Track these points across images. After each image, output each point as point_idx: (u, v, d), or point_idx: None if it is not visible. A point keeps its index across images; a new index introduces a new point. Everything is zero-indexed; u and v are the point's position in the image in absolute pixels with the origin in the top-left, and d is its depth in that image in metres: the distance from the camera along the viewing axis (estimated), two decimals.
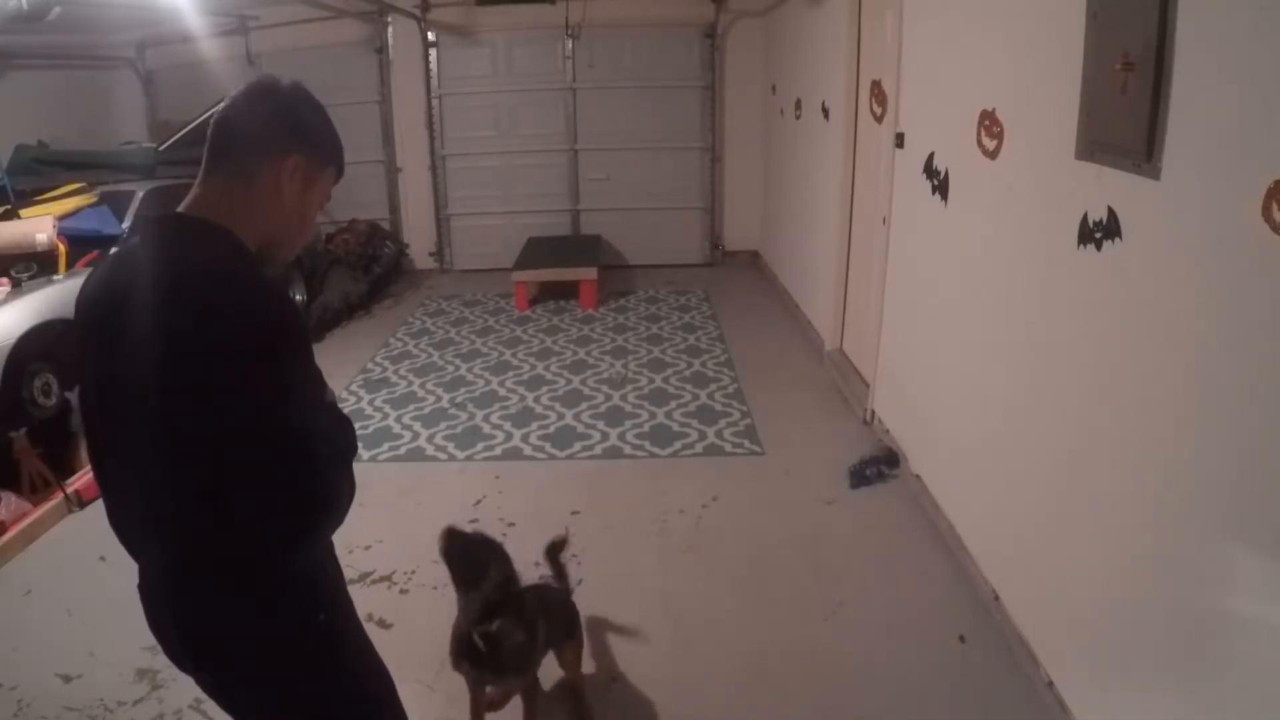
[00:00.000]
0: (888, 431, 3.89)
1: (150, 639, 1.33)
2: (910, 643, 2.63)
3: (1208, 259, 1.67)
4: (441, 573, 3.05)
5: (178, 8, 5.53)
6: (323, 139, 1.32)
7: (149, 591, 1.31)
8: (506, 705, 2.24)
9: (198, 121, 5.84)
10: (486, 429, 4.38)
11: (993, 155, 2.70)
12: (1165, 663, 1.85)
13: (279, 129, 1.26)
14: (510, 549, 3.28)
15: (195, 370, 1.10)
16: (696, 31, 7.48)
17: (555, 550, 2.45)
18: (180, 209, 1.24)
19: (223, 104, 1.27)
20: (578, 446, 4.15)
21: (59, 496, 3.62)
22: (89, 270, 1.55)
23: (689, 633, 2.72)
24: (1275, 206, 1.45)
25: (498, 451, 4.13)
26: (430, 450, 4.17)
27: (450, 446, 4.20)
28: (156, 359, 1.12)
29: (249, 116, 1.26)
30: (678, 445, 4.12)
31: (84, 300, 1.27)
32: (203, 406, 1.11)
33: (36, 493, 3.69)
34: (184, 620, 1.27)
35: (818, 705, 2.41)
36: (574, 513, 3.48)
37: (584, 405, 4.63)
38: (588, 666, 2.56)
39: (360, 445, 4.53)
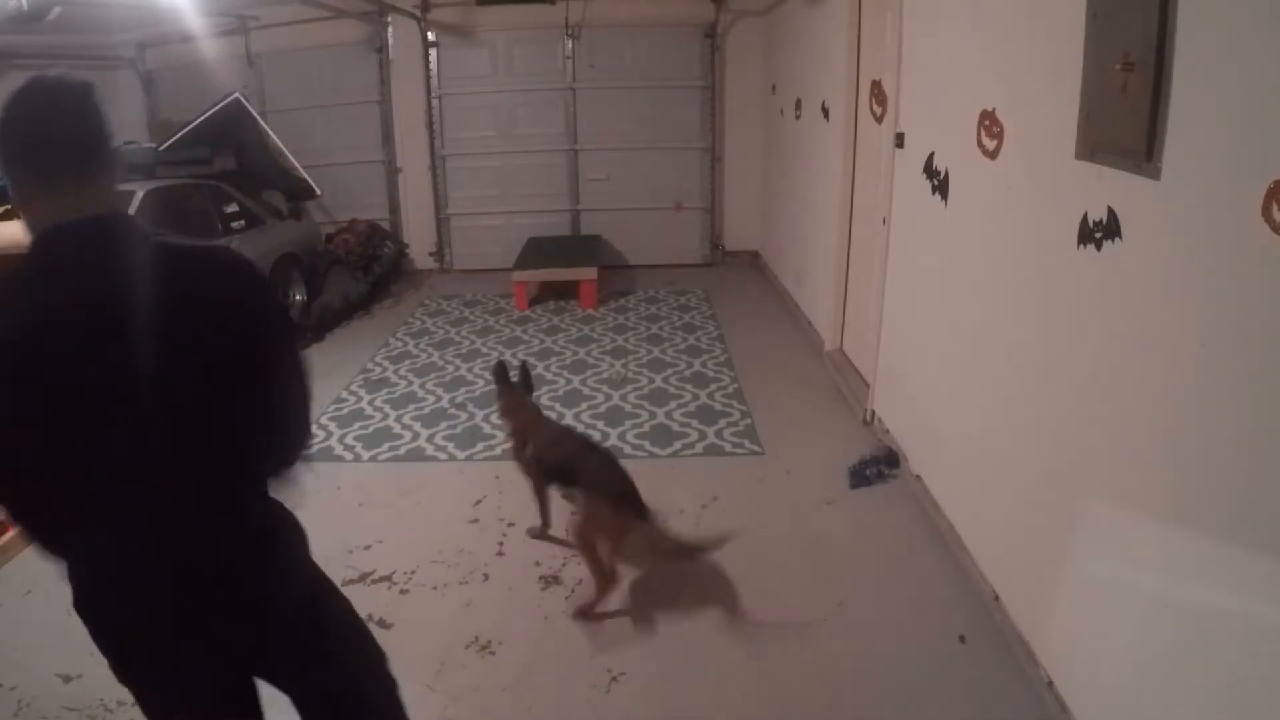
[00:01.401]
0: (888, 431, 3.89)
1: None
2: (910, 643, 2.63)
3: (1208, 259, 1.67)
4: (441, 573, 3.07)
5: (178, 8, 5.53)
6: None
7: (193, 571, 1.33)
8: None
9: (198, 121, 5.84)
10: (486, 429, 4.37)
11: (993, 155, 2.70)
12: (1166, 663, 1.84)
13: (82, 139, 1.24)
14: (511, 548, 3.27)
15: (249, 324, 1.31)
16: (696, 31, 7.48)
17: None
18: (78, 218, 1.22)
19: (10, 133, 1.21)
20: None
21: None
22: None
23: (689, 632, 2.72)
24: (1275, 206, 1.45)
25: (498, 451, 4.13)
26: (430, 450, 4.17)
27: (450, 446, 4.20)
28: (211, 322, 1.27)
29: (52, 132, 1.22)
30: (678, 445, 4.12)
31: (16, 323, 1.19)
32: (259, 357, 1.33)
33: None
34: (261, 582, 1.40)
35: (818, 705, 2.41)
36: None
37: (584, 405, 4.63)
38: (589, 666, 2.57)
39: (360, 445, 4.48)
